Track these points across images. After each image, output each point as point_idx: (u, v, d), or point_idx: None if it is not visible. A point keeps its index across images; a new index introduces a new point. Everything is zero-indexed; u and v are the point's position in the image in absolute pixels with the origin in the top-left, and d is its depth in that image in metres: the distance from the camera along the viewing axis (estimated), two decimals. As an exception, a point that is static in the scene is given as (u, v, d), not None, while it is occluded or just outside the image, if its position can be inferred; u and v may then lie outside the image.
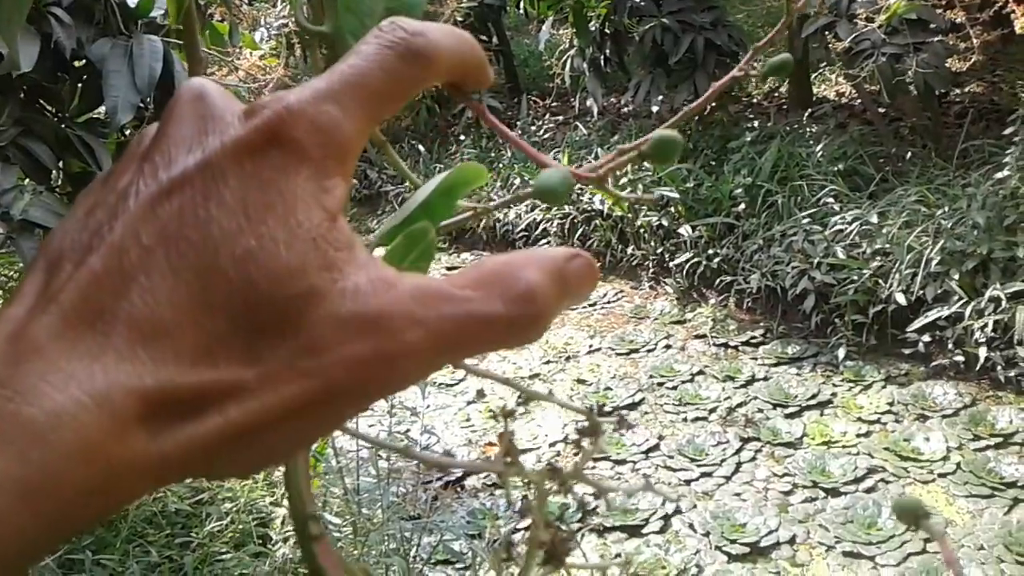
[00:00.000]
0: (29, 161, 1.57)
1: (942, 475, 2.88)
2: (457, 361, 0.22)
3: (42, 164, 1.61)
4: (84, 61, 1.66)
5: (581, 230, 5.04)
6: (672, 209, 4.60)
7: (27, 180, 1.62)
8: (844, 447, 3.11)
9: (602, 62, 5.39)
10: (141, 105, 1.66)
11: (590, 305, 4.67)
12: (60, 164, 1.70)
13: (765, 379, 3.65)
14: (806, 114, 5.02)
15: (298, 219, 0.20)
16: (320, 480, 2.10)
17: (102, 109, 1.68)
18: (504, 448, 0.26)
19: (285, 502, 2.00)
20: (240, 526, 2.00)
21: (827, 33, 3.77)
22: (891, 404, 3.30)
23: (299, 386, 0.19)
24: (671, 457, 3.22)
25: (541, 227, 5.22)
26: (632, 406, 3.64)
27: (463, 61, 0.24)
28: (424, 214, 0.32)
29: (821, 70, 6.07)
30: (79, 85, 1.71)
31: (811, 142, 4.61)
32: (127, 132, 1.74)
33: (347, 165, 0.21)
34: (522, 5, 5.28)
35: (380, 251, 0.29)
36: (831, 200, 4.11)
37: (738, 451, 3.19)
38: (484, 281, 0.21)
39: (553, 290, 0.21)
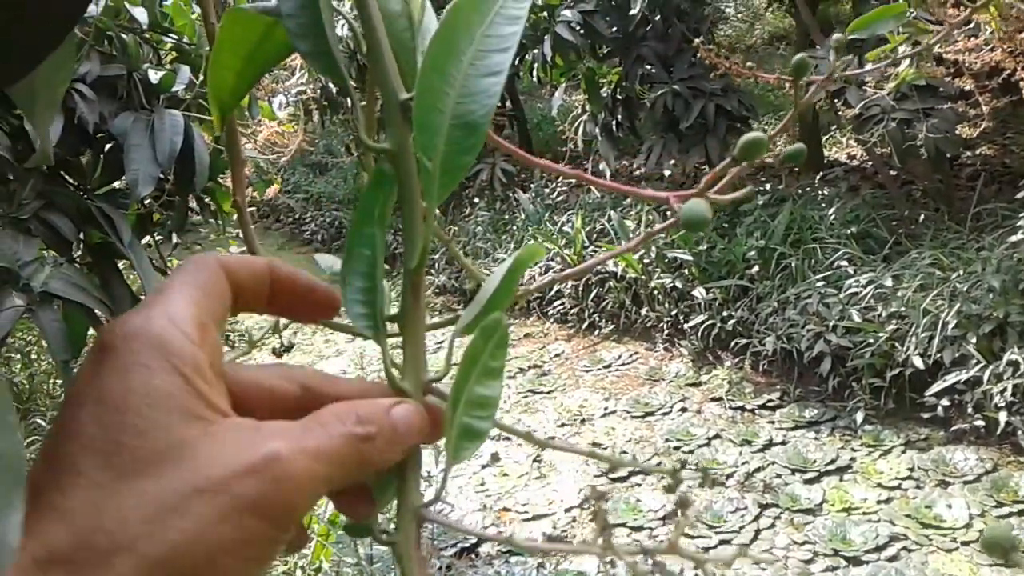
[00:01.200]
0: (51, 233, 1.59)
1: (965, 543, 2.83)
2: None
3: (63, 236, 1.64)
4: (106, 134, 1.70)
5: (595, 292, 5.06)
6: (686, 271, 4.62)
7: (48, 252, 1.65)
8: (865, 514, 3.05)
9: (614, 127, 5.47)
10: (161, 177, 1.70)
11: (605, 367, 4.66)
12: (81, 235, 1.73)
13: (783, 443, 3.61)
14: (818, 177, 5.06)
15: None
16: (333, 550, 2.08)
17: (122, 181, 1.71)
18: (600, 526, 0.28)
19: (298, 572, 1.98)
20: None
21: (836, 100, 3.82)
22: (911, 469, 3.26)
23: None
24: (689, 524, 3.16)
25: (555, 289, 5.23)
26: (648, 472, 3.59)
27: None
28: (495, 302, 0.35)
29: (832, 133, 6.14)
30: (101, 158, 1.75)
31: (823, 205, 4.64)
32: (147, 203, 1.78)
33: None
34: (535, 72, 5.39)
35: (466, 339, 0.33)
36: (845, 263, 4.11)
37: (757, 518, 3.14)
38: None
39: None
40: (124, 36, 1.76)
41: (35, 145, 1.12)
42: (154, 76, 1.77)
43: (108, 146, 1.73)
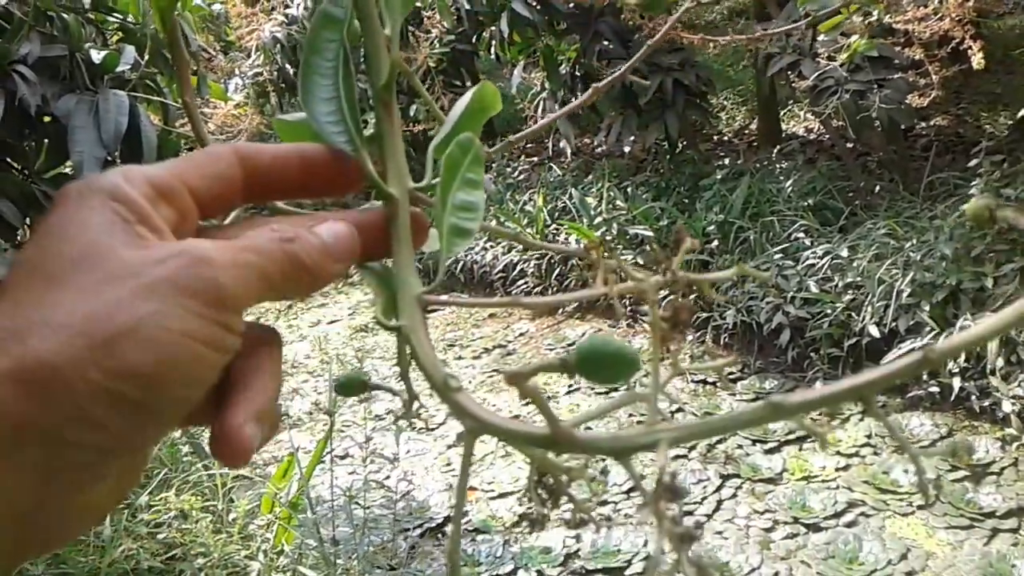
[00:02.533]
0: (-6, 219, 1.57)
1: (921, 507, 2.89)
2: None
3: (8, 222, 1.61)
4: (50, 117, 1.67)
5: (558, 270, 5.07)
6: (647, 248, 4.64)
7: (-7, 238, 1.62)
8: (824, 482, 3.11)
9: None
10: (108, 159, 1.67)
11: (569, 345, 4.67)
12: (27, 221, 1.69)
13: (744, 415, 3.65)
14: (775, 151, 5.10)
15: None
16: (295, 533, 2.08)
17: (69, 164, 1.68)
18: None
19: (260, 555, 1.97)
20: (215, 582, 1.97)
21: (790, 72, 3.85)
22: (869, 437, 3.32)
23: None
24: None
25: (519, 268, 5.24)
26: (612, 446, 3.63)
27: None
28: (462, 126, 0.37)
29: (790, 107, 6.18)
30: (45, 141, 1.71)
31: (781, 178, 4.68)
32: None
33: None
34: (494, 50, 5.35)
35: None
36: (802, 235, 4.16)
37: (719, 488, 3.18)
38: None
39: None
40: (65, 16, 1.72)
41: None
42: (97, 56, 1.74)
43: (51, 131, 1.70)
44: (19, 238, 1.70)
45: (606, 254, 0.29)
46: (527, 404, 3.76)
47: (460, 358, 4.73)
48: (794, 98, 5.33)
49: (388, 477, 3.33)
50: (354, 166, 0.33)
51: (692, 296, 0.28)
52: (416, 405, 0.34)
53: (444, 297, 0.32)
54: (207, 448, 2.84)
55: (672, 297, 0.28)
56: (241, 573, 2.01)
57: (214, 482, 2.33)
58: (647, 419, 0.26)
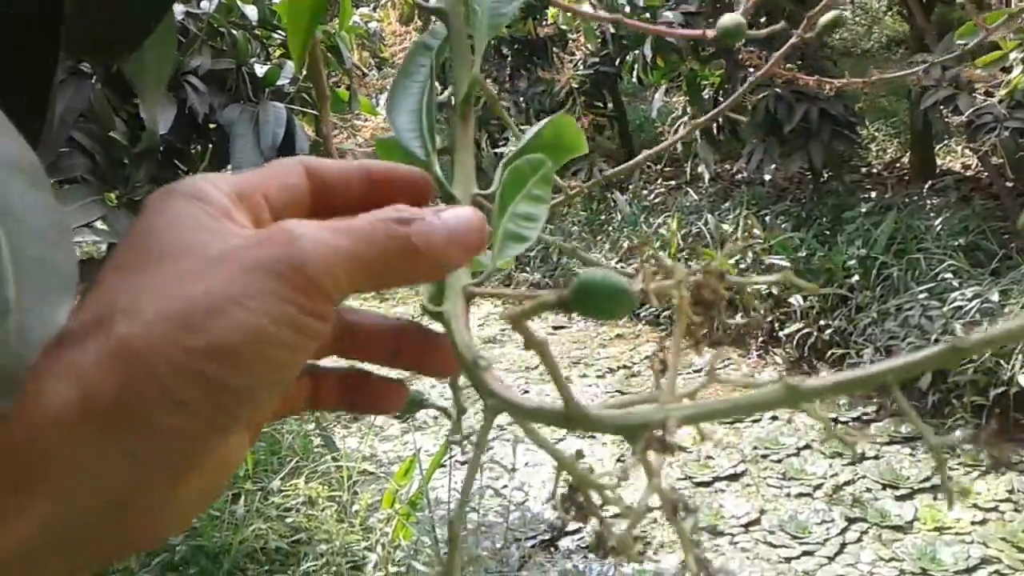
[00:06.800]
0: (161, 215, 1.71)
1: (1066, 572, 2.70)
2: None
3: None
4: (215, 125, 1.81)
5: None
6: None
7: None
8: (957, 534, 2.95)
9: (715, 129, 5.41)
10: (264, 166, 1.80)
11: (695, 371, 4.61)
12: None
13: (876, 457, 3.51)
14: (927, 186, 4.88)
15: None
16: (412, 530, 2.15)
17: (227, 168, 1.82)
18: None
19: (378, 547, 2.06)
20: (334, 568, 2.07)
21: (942, 107, 3.69)
22: (1010, 492, 3.12)
23: None
24: (772, 532, 3.12)
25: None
26: (734, 477, 3.56)
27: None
28: (531, 147, 0.39)
29: (947, 142, 5.90)
30: (209, 146, 1.86)
31: (931, 214, 4.47)
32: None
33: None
34: (636, 73, 5.37)
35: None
36: (950, 276, 3.96)
37: (843, 531, 3.07)
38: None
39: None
40: (235, 32, 1.87)
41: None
42: (260, 70, 1.87)
43: (215, 138, 1.84)
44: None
45: (649, 253, 0.29)
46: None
47: (584, 376, 4.75)
48: (949, 133, 5.09)
49: (505, 486, 3.39)
50: (421, 181, 0.34)
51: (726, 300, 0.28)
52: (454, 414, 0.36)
53: (487, 288, 0.33)
54: (336, 442, 2.98)
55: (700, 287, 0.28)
56: (360, 562, 2.11)
57: (341, 473, 2.45)
58: (661, 397, 0.27)
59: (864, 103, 5.15)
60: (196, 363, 0.23)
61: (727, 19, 0.34)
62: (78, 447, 0.22)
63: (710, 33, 0.36)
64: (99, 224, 1.35)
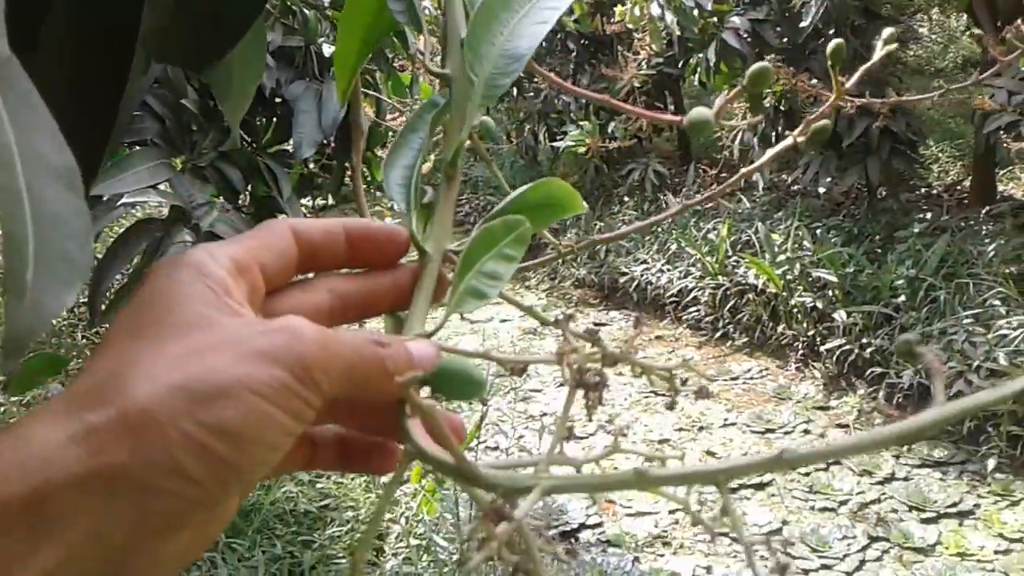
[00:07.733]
0: (223, 182, 1.79)
1: (1088, 610, 2.68)
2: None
3: (233, 186, 1.83)
4: (280, 100, 1.89)
5: (732, 302, 5.01)
6: (829, 292, 4.51)
7: (219, 198, 1.85)
8: (979, 561, 2.93)
9: (773, 138, 5.38)
10: (324, 143, 1.87)
11: (732, 379, 4.62)
12: (248, 187, 1.92)
13: (905, 479, 3.50)
14: (984, 211, 4.81)
15: None
16: (437, 506, 2.22)
17: (289, 142, 1.89)
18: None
19: (402, 519, 2.14)
20: (357, 535, 2.15)
21: (1003, 133, 3.64)
22: (1039, 525, 3.10)
23: None
24: (792, 544, 3.14)
25: (692, 294, 5.22)
26: (760, 486, 3.58)
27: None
28: (514, 207, 0.40)
29: (1011, 168, 5.79)
30: (274, 120, 1.94)
31: (985, 240, 4.41)
32: (309, 166, 1.96)
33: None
34: (699, 76, 5.37)
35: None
36: (998, 303, 3.91)
37: (864, 548, 3.07)
38: None
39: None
40: (307, 11, 1.94)
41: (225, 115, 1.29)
42: (328, 50, 1.94)
43: (280, 112, 1.92)
44: (240, 201, 1.94)
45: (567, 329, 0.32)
46: (679, 430, 3.74)
47: (621, 374, 4.78)
48: (1007, 160, 4.99)
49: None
50: (397, 237, 0.36)
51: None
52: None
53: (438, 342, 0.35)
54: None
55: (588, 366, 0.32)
56: (383, 532, 2.18)
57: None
58: (538, 468, 0.31)
59: (929, 123, 5.08)
60: (205, 438, 0.25)
61: (696, 113, 0.38)
62: (87, 504, 0.24)
63: (685, 122, 0.39)
64: (163, 186, 1.43)
